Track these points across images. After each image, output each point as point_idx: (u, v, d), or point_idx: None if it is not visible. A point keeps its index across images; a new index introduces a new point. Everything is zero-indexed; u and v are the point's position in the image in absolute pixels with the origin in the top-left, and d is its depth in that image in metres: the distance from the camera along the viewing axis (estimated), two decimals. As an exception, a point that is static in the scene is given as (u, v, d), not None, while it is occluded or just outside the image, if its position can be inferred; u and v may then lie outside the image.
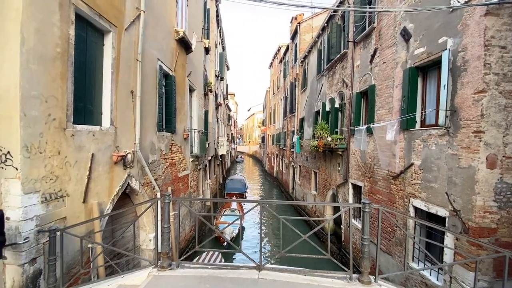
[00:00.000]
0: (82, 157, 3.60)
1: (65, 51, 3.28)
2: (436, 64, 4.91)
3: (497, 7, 3.74)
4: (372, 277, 2.93)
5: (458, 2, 4.22)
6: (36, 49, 2.86)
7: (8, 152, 2.70)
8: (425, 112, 5.23)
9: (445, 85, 4.41)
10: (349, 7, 8.64)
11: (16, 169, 2.70)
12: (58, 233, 2.83)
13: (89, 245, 3.72)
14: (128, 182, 4.79)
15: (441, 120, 4.49)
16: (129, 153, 4.74)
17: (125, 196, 5.00)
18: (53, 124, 3.10)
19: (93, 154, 3.79)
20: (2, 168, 2.71)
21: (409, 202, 5.37)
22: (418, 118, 5.38)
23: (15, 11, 2.70)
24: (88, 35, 3.88)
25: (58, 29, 3.16)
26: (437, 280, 4.58)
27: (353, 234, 7.83)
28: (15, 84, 2.68)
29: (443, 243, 4.37)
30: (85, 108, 3.86)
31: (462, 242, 4.07)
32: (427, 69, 5.27)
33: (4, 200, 2.72)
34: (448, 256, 4.35)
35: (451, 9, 4.32)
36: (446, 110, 4.38)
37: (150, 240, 5.67)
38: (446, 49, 4.46)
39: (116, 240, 4.42)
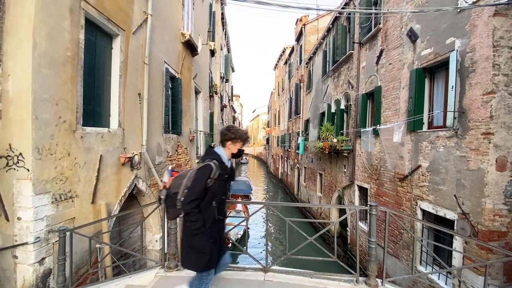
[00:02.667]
0: (91, 158, 3.66)
1: (75, 55, 3.35)
2: (443, 65, 4.86)
3: (506, 7, 3.69)
4: (379, 281, 2.90)
5: (466, 2, 4.18)
6: (47, 54, 2.93)
7: (20, 154, 2.77)
8: (432, 113, 5.18)
9: (453, 86, 4.36)
10: (354, 8, 8.62)
11: (28, 170, 2.76)
12: (68, 233, 2.88)
13: (97, 245, 3.78)
14: (135, 183, 4.84)
15: (449, 122, 4.43)
16: (136, 154, 4.79)
17: (132, 197, 5.06)
18: (63, 126, 3.17)
19: (101, 155, 3.85)
20: (14, 169, 2.78)
21: (417, 205, 5.30)
22: (425, 120, 5.33)
23: (27, 17, 2.78)
24: (97, 39, 3.96)
25: (68, 34, 3.23)
26: (446, 284, 4.51)
27: (359, 237, 7.76)
28: (27, 88, 2.75)
29: (451, 247, 4.31)
30: (94, 110, 3.93)
31: (471, 246, 4.01)
32: (435, 70, 5.22)
33: (16, 201, 2.79)
34: (456, 259, 4.28)
35: (458, 10, 4.28)
36: (454, 111, 4.33)
37: (157, 241, 5.71)
38: (454, 50, 4.41)
39: (123, 241, 4.47)
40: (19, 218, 2.79)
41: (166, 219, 3.80)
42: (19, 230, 2.79)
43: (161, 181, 2.18)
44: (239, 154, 2.22)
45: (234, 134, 2.16)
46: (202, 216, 1.96)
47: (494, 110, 3.76)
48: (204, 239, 1.99)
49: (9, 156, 2.78)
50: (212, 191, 2.01)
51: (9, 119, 2.78)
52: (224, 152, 2.14)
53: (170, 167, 2.24)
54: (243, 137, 2.19)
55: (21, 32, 2.78)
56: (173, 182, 2.08)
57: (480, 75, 3.94)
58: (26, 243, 2.78)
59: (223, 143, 2.19)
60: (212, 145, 2.24)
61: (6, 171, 2.78)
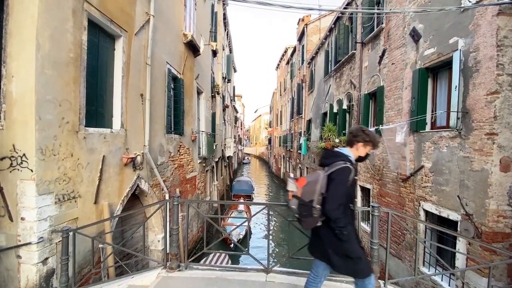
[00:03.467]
0: (94, 159, 3.68)
1: (78, 56, 3.38)
2: (447, 65, 4.82)
3: (510, 6, 3.66)
4: (381, 282, 2.89)
5: (469, 2, 4.15)
6: (50, 55, 2.95)
7: (24, 155, 2.79)
8: (435, 113, 5.14)
9: (456, 86, 4.33)
10: (357, 8, 8.59)
11: (31, 171, 2.79)
12: (71, 233, 2.90)
13: (100, 246, 3.80)
14: (138, 184, 4.86)
15: (452, 122, 4.40)
16: (139, 155, 4.81)
17: (135, 197, 5.08)
18: (66, 127, 3.19)
19: (104, 156, 3.87)
20: (18, 170, 2.80)
21: (420, 206, 5.27)
22: (428, 120, 5.29)
23: (30, 18, 2.80)
24: (99, 40, 3.98)
25: (71, 35, 3.25)
26: (449, 285, 4.47)
27: (362, 238, 7.73)
28: (30, 89, 2.77)
29: (455, 248, 4.27)
30: (96, 111, 3.95)
31: (475, 247, 3.97)
32: (438, 70, 5.19)
33: (20, 201, 2.81)
34: (460, 261, 4.24)
35: (462, 9, 4.25)
36: (457, 111, 4.29)
37: (159, 241, 5.73)
38: (457, 49, 4.38)
39: (125, 241, 4.49)
40: (22, 218, 2.81)
41: (168, 219, 3.83)
42: (23, 230, 2.82)
43: (287, 190, 2.07)
44: (365, 158, 2.09)
45: (368, 136, 2.04)
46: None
47: (498, 110, 3.72)
48: (355, 243, 1.92)
49: (12, 156, 2.80)
50: (349, 194, 1.94)
51: (12, 120, 2.81)
52: (352, 153, 2.04)
53: (292, 175, 2.11)
54: (376, 141, 2.08)
55: (25, 34, 2.80)
56: (304, 190, 1.95)
57: (484, 75, 3.91)
58: (29, 243, 2.80)
59: (352, 143, 2.07)
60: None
61: (10, 172, 2.81)
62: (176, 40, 6.96)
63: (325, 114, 12.06)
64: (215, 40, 12.19)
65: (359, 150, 2.05)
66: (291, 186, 2.01)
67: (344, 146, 2.18)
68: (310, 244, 2.17)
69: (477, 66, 4.02)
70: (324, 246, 1.98)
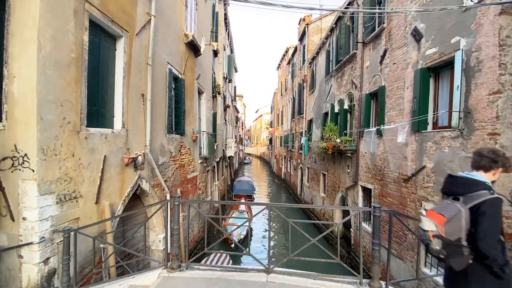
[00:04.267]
0: (95, 159, 3.69)
1: (79, 56, 3.38)
2: (448, 65, 4.80)
3: (513, 5, 3.64)
4: (383, 283, 2.87)
5: (472, 1, 4.13)
6: (52, 55, 2.96)
7: (26, 155, 2.80)
8: (437, 113, 5.12)
9: (458, 86, 4.31)
10: (358, 8, 8.57)
11: (33, 171, 2.80)
12: (72, 233, 2.91)
13: (101, 245, 3.80)
14: (139, 184, 4.87)
15: (454, 122, 4.38)
16: (140, 155, 4.82)
17: (136, 197, 5.09)
18: (68, 128, 3.20)
19: (105, 156, 3.88)
20: (20, 170, 2.81)
21: (421, 206, 5.25)
22: (430, 120, 5.27)
23: (32, 19, 2.81)
24: (101, 40, 3.99)
25: (72, 36, 3.26)
26: (451, 286, 4.45)
27: (363, 238, 7.71)
28: (32, 89, 2.78)
29: (456, 248, 4.24)
30: (98, 111, 3.96)
31: (477, 248, 3.95)
32: (439, 70, 5.16)
33: (21, 201, 2.82)
34: (462, 261, 4.22)
35: (464, 9, 4.23)
36: (459, 111, 4.27)
37: (160, 241, 5.74)
38: (459, 49, 4.36)
39: (126, 241, 4.50)
40: (24, 218, 2.82)
41: (169, 219, 3.82)
42: (24, 230, 2.83)
43: (423, 230, 1.85)
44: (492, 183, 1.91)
45: (509, 160, 1.87)
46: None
47: (500, 110, 3.70)
48: (510, 283, 1.77)
49: (14, 157, 2.81)
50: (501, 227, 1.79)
51: (14, 120, 2.82)
52: (488, 179, 1.85)
53: (424, 212, 1.91)
54: None
55: (26, 34, 2.81)
56: (447, 228, 1.76)
57: (486, 74, 3.89)
58: (31, 243, 2.81)
59: (490, 168, 1.87)
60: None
61: (12, 172, 2.82)
62: (177, 40, 6.97)
63: (326, 114, 12.04)
64: (216, 40, 12.20)
65: (496, 175, 1.88)
66: (429, 226, 1.81)
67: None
68: (448, 279, 1.99)
69: (479, 66, 4.00)
70: (470, 284, 1.82)
